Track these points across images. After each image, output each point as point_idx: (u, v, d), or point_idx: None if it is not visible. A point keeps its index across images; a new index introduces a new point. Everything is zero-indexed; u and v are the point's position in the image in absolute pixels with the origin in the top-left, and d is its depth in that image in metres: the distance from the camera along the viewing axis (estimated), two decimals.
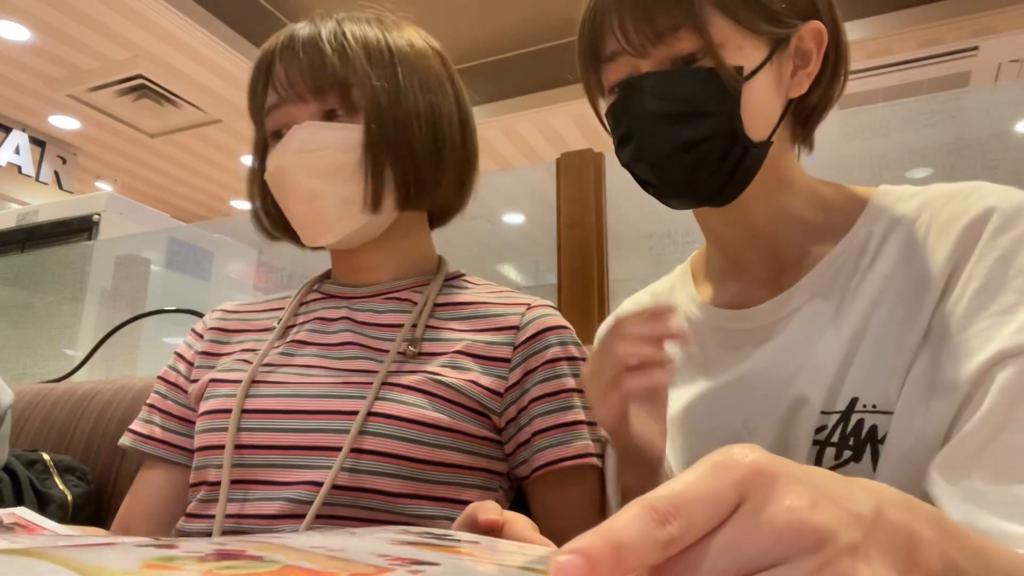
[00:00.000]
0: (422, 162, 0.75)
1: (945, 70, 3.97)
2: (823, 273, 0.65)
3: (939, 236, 0.60)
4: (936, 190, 0.64)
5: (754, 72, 0.62)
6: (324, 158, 0.72)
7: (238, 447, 0.69)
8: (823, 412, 0.61)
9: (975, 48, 3.80)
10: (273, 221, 0.82)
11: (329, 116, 0.74)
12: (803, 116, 0.69)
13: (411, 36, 0.80)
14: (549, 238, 1.42)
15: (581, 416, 0.72)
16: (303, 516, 0.65)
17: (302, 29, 0.76)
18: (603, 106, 0.69)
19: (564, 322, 0.77)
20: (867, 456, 0.58)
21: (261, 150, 0.80)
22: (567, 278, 1.38)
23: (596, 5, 0.65)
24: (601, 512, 0.73)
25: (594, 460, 0.71)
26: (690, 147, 0.62)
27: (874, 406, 0.58)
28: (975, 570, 0.30)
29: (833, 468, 0.59)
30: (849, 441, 0.59)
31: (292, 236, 0.81)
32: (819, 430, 0.61)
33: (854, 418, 0.59)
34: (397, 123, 0.74)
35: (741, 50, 0.61)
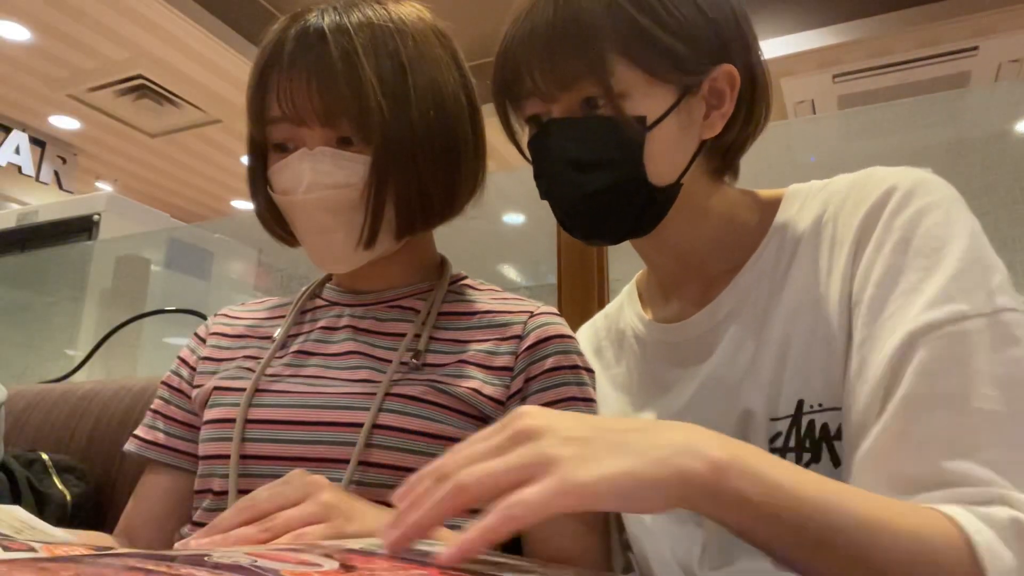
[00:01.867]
0: (433, 191, 0.73)
1: (945, 70, 3.97)
2: (743, 281, 0.67)
3: (844, 228, 0.61)
4: (837, 183, 0.65)
5: (658, 121, 0.62)
6: (340, 196, 0.69)
7: (243, 457, 0.68)
8: (772, 419, 0.61)
9: (975, 48, 3.80)
10: (278, 228, 0.78)
11: (342, 141, 0.70)
12: (720, 153, 0.69)
13: (411, 18, 0.74)
14: (549, 238, 1.41)
15: None
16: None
17: (305, 30, 0.69)
18: (522, 136, 0.70)
19: (567, 331, 0.76)
20: (825, 454, 0.58)
21: (260, 152, 0.75)
22: (567, 278, 1.38)
23: (507, 45, 0.65)
24: (604, 523, 0.72)
25: None
26: (594, 195, 0.63)
27: (820, 405, 0.59)
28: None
29: None
30: (805, 443, 0.59)
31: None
32: (774, 438, 0.61)
33: (804, 420, 0.60)
34: (404, 153, 0.69)
35: (647, 98, 0.62)
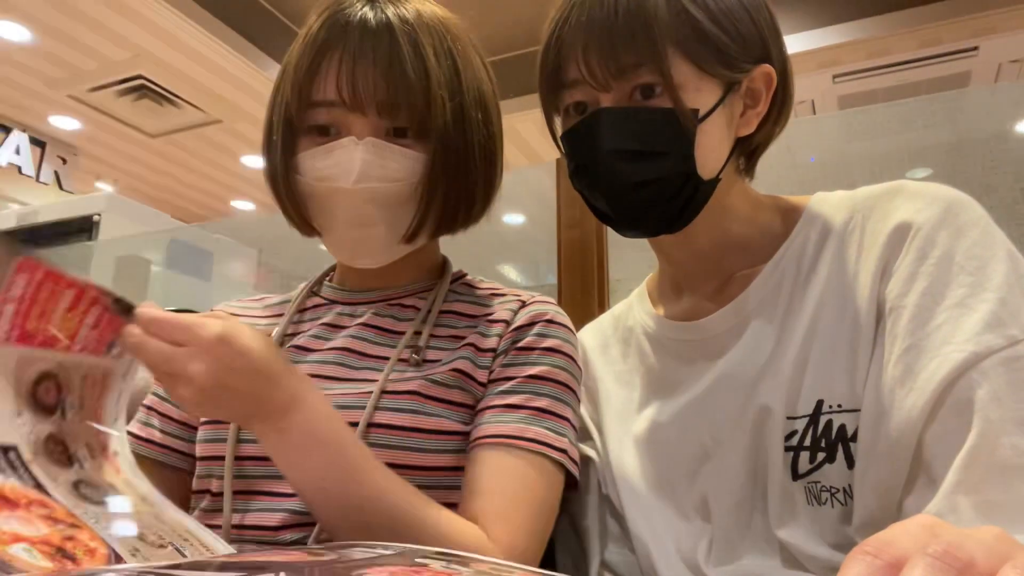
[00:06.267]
0: (477, 192, 0.73)
1: (945, 70, 3.97)
2: (766, 283, 0.67)
3: (873, 236, 0.62)
4: (863, 192, 0.67)
5: (708, 114, 0.63)
6: (391, 190, 0.67)
7: (238, 458, 0.68)
8: (789, 418, 0.62)
9: (975, 48, 3.80)
10: (296, 216, 0.74)
11: (395, 133, 0.68)
12: (748, 152, 0.71)
13: (451, 20, 0.74)
14: (549, 238, 1.42)
15: (537, 403, 0.67)
16: (305, 526, 0.64)
17: (366, 18, 0.68)
18: (559, 124, 0.71)
19: (558, 317, 0.74)
20: (840, 455, 0.59)
21: (290, 134, 0.71)
22: (567, 278, 1.38)
23: (560, 33, 0.66)
24: (539, 506, 0.65)
25: (532, 446, 0.65)
26: (645, 185, 0.64)
27: (839, 405, 0.60)
28: None
29: (809, 472, 0.60)
30: (821, 443, 0.60)
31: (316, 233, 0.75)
32: (789, 436, 0.62)
33: (822, 420, 0.60)
34: (459, 152, 0.69)
35: (698, 92, 0.63)
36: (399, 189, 0.68)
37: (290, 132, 0.71)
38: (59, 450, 0.49)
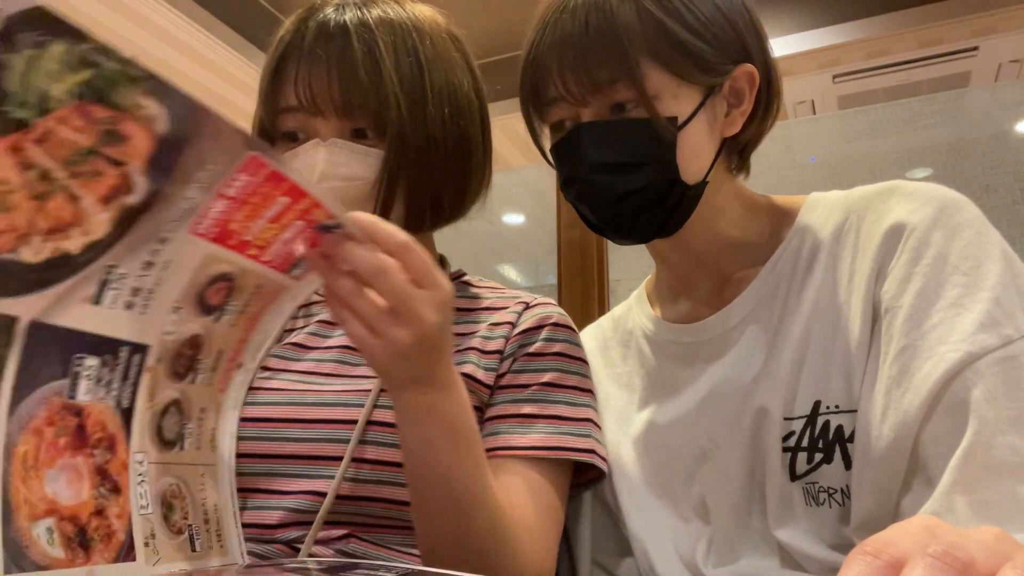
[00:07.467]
0: (444, 191, 0.73)
1: (945, 70, 3.97)
2: (762, 284, 0.68)
3: (868, 237, 0.62)
4: (858, 193, 0.67)
5: (688, 120, 0.64)
6: (352, 188, 0.69)
7: (237, 455, 0.68)
8: (786, 419, 0.62)
9: (975, 48, 3.80)
10: None
11: (356, 134, 0.70)
12: (737, 149, 0.71)
13: (428, 19, 0.75)
14: (549, 238, 1.42)
15: (553, 411, 0.69)
16: (303, 524, 0.64)
17: (326, 23, 0.70)
18: (545, 140, 0.72)
19: (563, 320, 0.75)
20: (837, 456, 0.59)
21: (266, 141, 0.73)
22: (567, 278, 1.38)
23: (536, 52, 0.66)
24: (559, 518, 0.68)
25: (545, 453, 0.67)
26: (629, 195, 0.65)
27: (837, 406, 0.60)
28: None
29: (807, 472, 0.61)
30: (818, 444, 0.60)
31: None
32: (787, 437, 0.62)
33: (820, 421, 0.60)
34: (419, 150, 0.70)
35: (676, 99, 0.64)
36: (360, 187, 0.69)
37: (266, 140, 0.73)
38: (187, 356, 0.47)
